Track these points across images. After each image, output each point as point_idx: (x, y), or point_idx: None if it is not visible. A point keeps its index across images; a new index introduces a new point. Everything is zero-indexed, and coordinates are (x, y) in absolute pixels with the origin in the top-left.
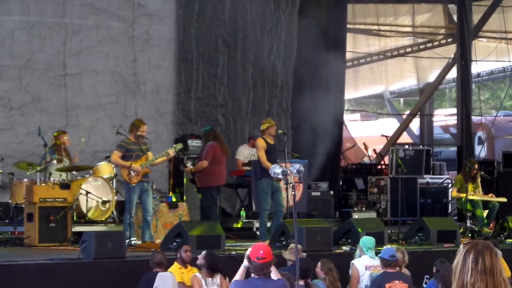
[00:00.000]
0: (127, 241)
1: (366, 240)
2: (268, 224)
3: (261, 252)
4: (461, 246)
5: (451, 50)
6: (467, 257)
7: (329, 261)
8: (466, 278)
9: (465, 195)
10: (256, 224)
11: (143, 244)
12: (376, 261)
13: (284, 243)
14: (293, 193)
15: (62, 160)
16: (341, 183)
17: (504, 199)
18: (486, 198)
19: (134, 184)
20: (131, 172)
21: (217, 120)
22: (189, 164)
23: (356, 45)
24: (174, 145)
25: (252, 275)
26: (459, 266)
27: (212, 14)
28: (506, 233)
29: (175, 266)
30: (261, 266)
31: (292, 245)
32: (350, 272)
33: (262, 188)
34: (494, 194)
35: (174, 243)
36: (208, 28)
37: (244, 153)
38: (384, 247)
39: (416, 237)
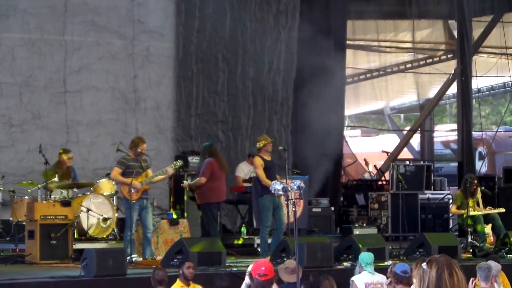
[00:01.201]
0: (128, 258)
1: (365, 256)
2: (268, 241)
3: (263, 268)
4: (423, 265)
5: (451, 65)
6: (441, 274)
7: (329, 279)
8: None
9: (464, 211)
10: (257, 241)
11: (144, 261)
12: (376, 277)
13: (285, 259)
14: (293, 209)
15: (63, 178)
16: (341, 199)
17: (502, 209)
18: (485, 211)
19: (133, 201)
20: (131, 189)
21: (217, 136)
22: (188, 180)
23: (356, 61)
24: (174, 162)
25: None
26: (433, 284)
27: (212, 31)
28: (507, 248)
29: (177, 284)
30: (263, 284)
31: (288, 263)
32: None
33: (263, 204)
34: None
35: (175, 260)
36: (208, 44)
37: (244, 170)
38: (391, 262)
39: (417, 253)
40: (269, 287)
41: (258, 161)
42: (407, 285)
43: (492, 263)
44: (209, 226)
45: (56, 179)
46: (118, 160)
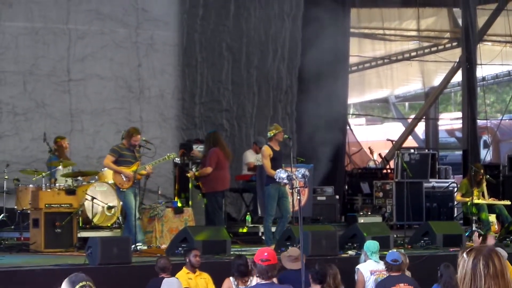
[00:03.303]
0: (133, 246)
1: (370, 245)
2: (272, 229)
3: (265, 254)
4: (464, 254)
5: (456, 54)
6: (477, 264)
7: (331, 267)
8: (480, 285)
9: (469, 199)
10: (262, 229)
11: (149, 249)
12: (381, 266)
13: (290, 247)
14: (298, 197)
15: (66, 165)
16: (346, 187)
17: (508, 202)
18: (490, 201)
19: (124, 189)
20: (123, 177)
21: (221, 125)
22: (193, 169)
23: (361, 49)
24: (168, 154)
25: (258, 280)
26: (469, 275)
27: (216, 19)
28: (511, 237)
29: (183, 271)
30: (266, 269)
31: (291, 251)
32: (355, 277)
33: (269, 193)
34: (499, 197)
35: (180, 248)
36: (212, 33)
37: (251, 158)
38: (390, 250)
39: (422, 241)
40: (273, 273)
41: (267, 150)
42: (397, 272)
43: (501, 251)
44: (214, 214)
45: (60, 167)
46: (111, 148)
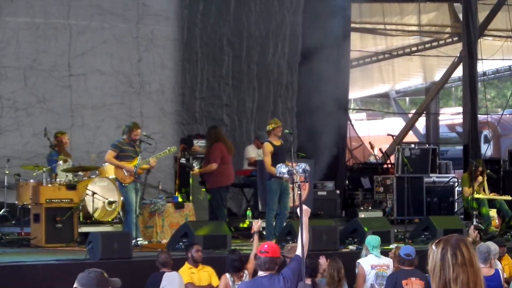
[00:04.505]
0: (134, 241)
1: (371, 239)
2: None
3: (266, 246)
4: (433, 246)
5: (457, 48)
6: (445, 254)
7: (336, 261)
8: (448, 274)
9: (470, 189)
10: (262, 224)
11: (149, 244)
12: (382, 260)
13: (290, 242)
14: (299, 192)
15: (67, 160)
16: (347, 182)
17: (508, 197)
18: (491, 196)
19: (127, 184)
20: (125, 172)
21: (222, 120)
22: (195, 165)
23: (362, 44)
24: (168, 148)
25: (259, 273)
26: (438, 265)
27: (217, 14)
28: None
29: (185, 266)
30: (263, 260)
31: (291, 244)
32: (356, 271)
33: (271, 188)
34: (500, 192)
35: (181, 243)
36: (213, 28)
37: (252, 153)
38: (402, 245)
39: (423, 236)
40: (270, 265)
41: (267, 148)
42: (409, 266)
43: (492, 245)
44: (218, 209)
45: (60, 162)
46: (113, 143)
